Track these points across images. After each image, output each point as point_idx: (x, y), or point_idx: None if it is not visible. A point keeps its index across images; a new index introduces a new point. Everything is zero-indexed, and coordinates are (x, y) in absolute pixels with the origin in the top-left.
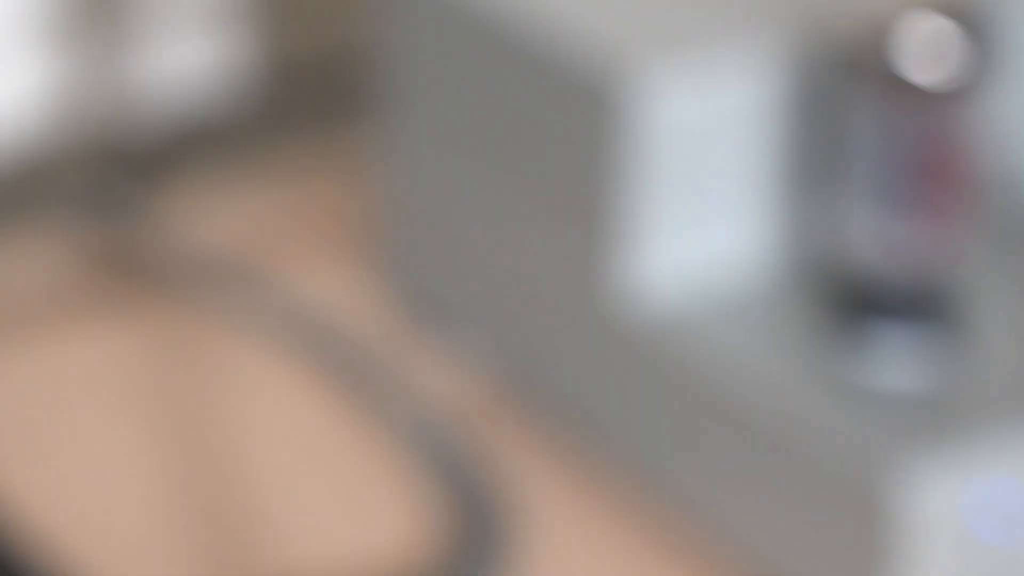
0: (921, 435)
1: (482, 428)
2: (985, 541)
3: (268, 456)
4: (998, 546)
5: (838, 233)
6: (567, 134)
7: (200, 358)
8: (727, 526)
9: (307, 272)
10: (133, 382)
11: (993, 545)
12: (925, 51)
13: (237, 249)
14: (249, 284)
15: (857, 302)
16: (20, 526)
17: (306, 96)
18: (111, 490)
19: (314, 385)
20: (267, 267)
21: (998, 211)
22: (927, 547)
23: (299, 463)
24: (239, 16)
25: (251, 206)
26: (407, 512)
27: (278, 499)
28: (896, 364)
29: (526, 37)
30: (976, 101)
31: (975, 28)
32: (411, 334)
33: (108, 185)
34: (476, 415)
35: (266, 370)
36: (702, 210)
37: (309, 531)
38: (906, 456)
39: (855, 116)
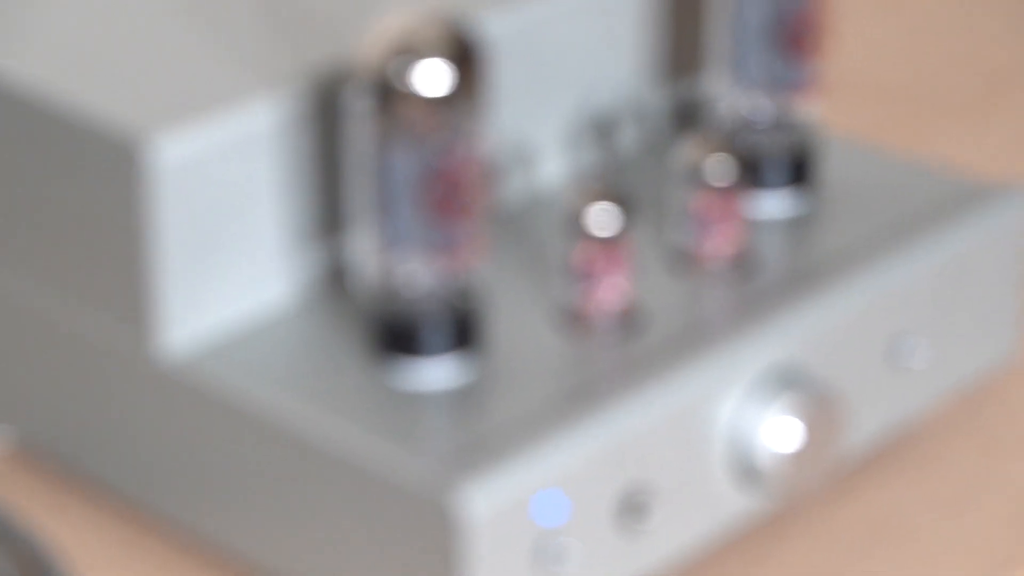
0: (460, 433)
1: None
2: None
3: None
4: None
5: (370, 255)
6: (84, 198)
7: None
8: (292, 555)
9: None
10: None
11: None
12: (421, 67)
13: None
14: None
15: (391, 319)
16: None
17: None
18: None
19: None
20: None
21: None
22: (478, 543)
23: None
24: None
25: None
26: None
27: None
28: (434, 367)
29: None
30: (472, 114)
31: (467, 45)
32: None
33: None
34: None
35: None
36: (228, 260)
37: None
38: (447, 458)
39: (364, 139)
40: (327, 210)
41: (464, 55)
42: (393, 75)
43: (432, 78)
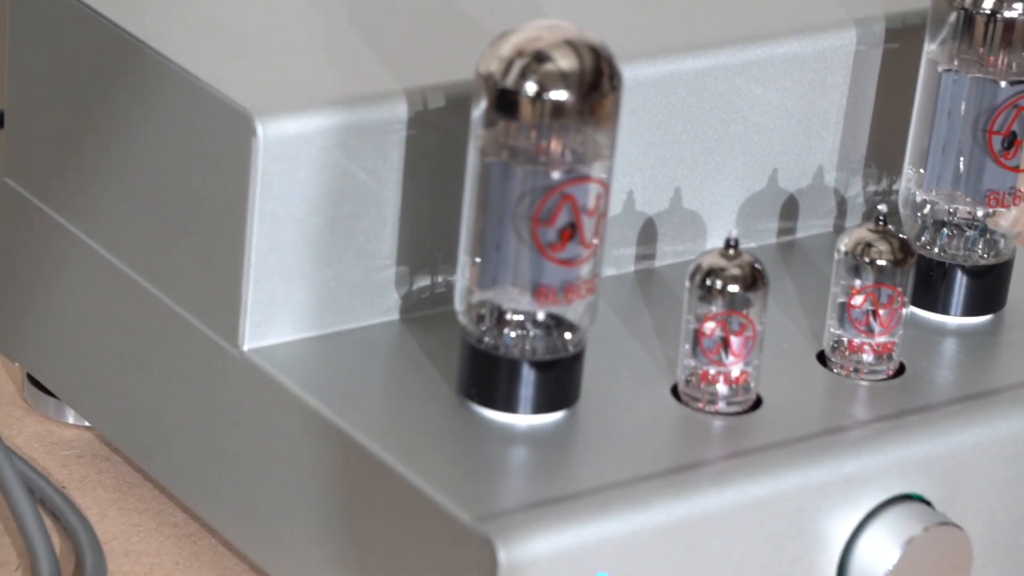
0: (530, 492)
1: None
2: None
3: None
4: None
5: (467, 282)
6: (195, 176)
7: None
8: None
9: None
10: None
11: None
12: (538, 69)
13: None
14: None
15: (480, 359)
16: None
17: None
18: None
19: None
20: None
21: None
22: None
23: None
24: None
25: None
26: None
27: None
28: (522, 417)
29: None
30: (593, 137)
31: (596, 59)
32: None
33: None
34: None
35: None
36: (335, 258)
37: None
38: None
39: (475, 149)
40: (447, 227)
41: (591, 69)
42: (508, 75)
43: (549, 81)
